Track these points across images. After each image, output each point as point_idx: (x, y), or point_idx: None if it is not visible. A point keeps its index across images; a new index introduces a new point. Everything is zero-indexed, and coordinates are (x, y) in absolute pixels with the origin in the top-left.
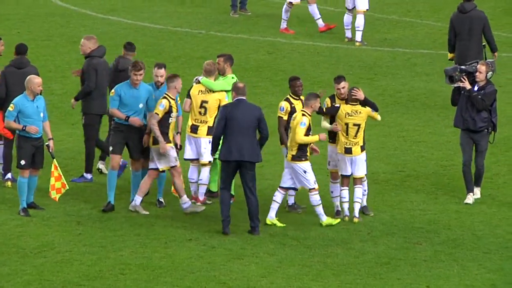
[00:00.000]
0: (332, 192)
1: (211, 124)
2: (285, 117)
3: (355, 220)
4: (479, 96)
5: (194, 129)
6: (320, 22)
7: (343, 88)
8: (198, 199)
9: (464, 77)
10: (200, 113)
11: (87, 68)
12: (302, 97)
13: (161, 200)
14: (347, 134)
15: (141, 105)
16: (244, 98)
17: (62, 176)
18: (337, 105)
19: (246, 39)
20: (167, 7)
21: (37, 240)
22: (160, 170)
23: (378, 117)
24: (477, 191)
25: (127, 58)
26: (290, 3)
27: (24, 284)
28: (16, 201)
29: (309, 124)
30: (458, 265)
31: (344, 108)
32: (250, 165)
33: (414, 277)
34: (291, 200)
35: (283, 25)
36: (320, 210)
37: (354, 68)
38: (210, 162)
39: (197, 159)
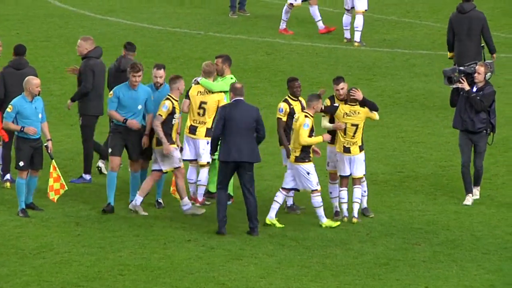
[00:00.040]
0: (331, 193)
1: (209, 126)
2: (284, 118)
3: (354, 220)
4: (478, 97)
5: (193, 130)
6: (320, 24)
7: (342, 89)
8: (197, 200)
9: (463, 78)
10: (199, 114)
11: (84, 69)
12: (300, 98)
13: (160, 201)
14: (345, 134)
15: (139, 107)
16: (242, 98)
17: (61, 177)
18: (336, 104)
19: (245, 40)
20: (166, 8)
21: (36, 241)
22: (164, 171)
23: (377, 116)
24: (476, 191)
25: (128, 58)
26: (291, 4)
27: (23, 285)
28: (15, 202)
29: (312, 125)
30: (457, 265)
31: (343, 108)
32: (249, 166)
33: (413, 277)
34: (290, 201)
35: (282, 25)
36: (321, 212)
37: (353, 69)
38: (208, 163)
39: (196, 160)
